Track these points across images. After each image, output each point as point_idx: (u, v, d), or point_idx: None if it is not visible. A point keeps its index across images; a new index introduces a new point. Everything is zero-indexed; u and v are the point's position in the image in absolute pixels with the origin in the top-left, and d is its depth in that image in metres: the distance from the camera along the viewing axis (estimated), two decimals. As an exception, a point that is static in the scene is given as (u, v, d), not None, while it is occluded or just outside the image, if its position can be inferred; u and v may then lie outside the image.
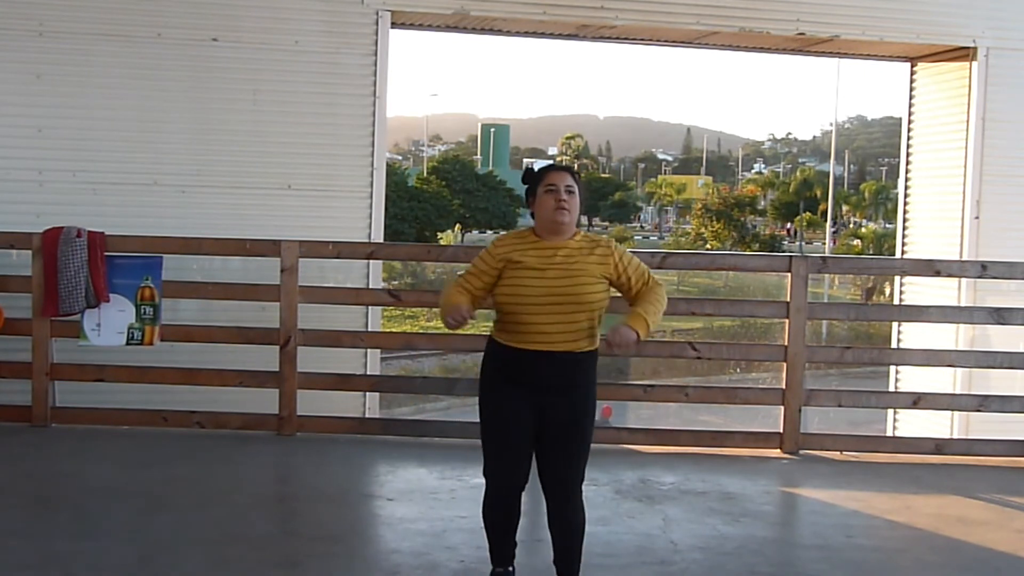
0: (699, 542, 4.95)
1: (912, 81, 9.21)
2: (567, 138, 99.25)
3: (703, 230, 55.73)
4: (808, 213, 62.32)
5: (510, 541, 4.07)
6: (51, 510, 5.12)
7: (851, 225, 66.41)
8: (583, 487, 4.02)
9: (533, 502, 5.42)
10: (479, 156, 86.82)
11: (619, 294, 4.02)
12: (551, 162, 4.38)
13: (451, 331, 3.98)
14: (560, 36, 8.98)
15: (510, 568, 4.11)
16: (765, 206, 68.71)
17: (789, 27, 8.34)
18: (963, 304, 8.25)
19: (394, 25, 8.01)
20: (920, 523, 5.41)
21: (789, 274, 6.79)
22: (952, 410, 8.14)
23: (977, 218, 8.49)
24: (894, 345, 9.28)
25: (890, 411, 9.07)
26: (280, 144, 7.75)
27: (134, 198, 7.57)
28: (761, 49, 9.41)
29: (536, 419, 3.88)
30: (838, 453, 6.86)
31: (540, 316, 3.81)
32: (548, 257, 3.85)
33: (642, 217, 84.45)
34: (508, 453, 3.90)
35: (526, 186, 4.05)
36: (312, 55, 7.77)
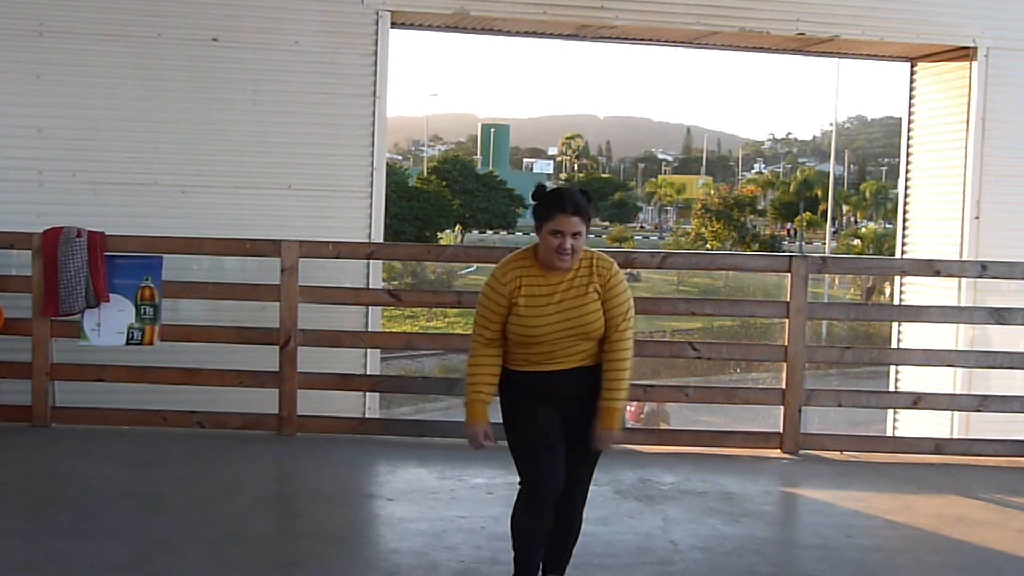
0: (699, 542, 4.95)
1: (912, 81, 9.21)
2: (567, 138, 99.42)
3: (703, 230, 55.68)
4: (808, 213, 62.30)
5: (539, 554, 3.94)
6: (51, 510, 5.12)
7: (851, 225, 66.40)
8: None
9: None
10: (479, 156, 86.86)
11: None
12: (563, 188, 4.19)
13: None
14: (560, 36, 8.99)
15: None
16: (765, 206, 68.67)
17: (789, 27, 8.34)
18: (963, 304, 8.25)
19: (394, 25, 8.01)
20: (920, 523, 5.41)
21: (789, 274, 6.79)
22: (952, 410, 8.14)
23: (977, 218, 8.49)
24: (894, 345, 9.28)
25: (890, 411, 9.07)
26: (280, 144, 7.76)
27: (134, 198, 7.57)
28: (761, 49, 9.41)
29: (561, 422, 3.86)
30: (838, 453, 6.86)
31: (547, 347, 3.80)
32: (552, 292, 3.79)
33: (642, 217, 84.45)
34: (549, 453, 3.82)
35: (535, 203, 3.91)
36: (312, 55, 7.77)
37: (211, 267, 7.64)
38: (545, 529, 3.87)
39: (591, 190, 5.30)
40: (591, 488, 4.04)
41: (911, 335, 8.85)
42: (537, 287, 3.80)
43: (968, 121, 8.52)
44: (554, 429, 3.83)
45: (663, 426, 24.91)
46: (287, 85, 7.76)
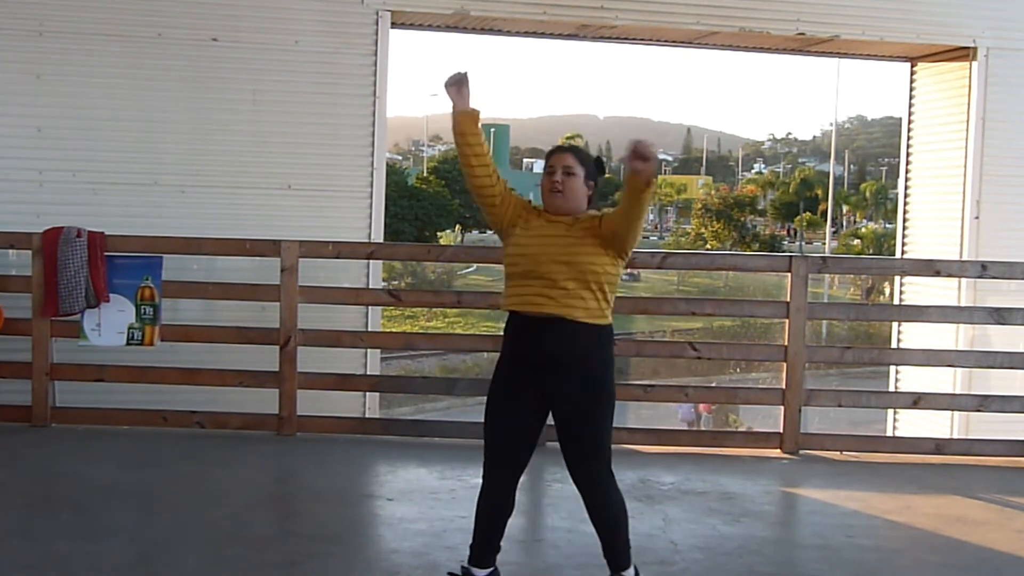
0: (699, 542, 4.95)
1: (912, 81, 9.21)
2: (567, 138, 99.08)
3: (703, 230, 55.71)
4: (808, 213, 62.31)
5: (490, 541, 3.96)
6: (51, 510, 5.12)
7: (851, 225, 66.39)
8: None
9: (532, 502, 5.42)
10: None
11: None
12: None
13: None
14: (560, 36, 8.98)
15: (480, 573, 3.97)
16: (765, 206, 68.66)
17: (789, 27, 8.34)
18: (963, 304, 8.25)
19: (394, 25, 8.01)
20: (920, 523, 5.41)
21: (789, 274, 6.80)
22: (952, 410, 8.15)
23: (977, 218, 8.49)
24: (894, 345, 9.28)
25: (890, 411, 9.07)
26: (280, 144, 7.76)
27: (134, 198, 7.57)
28: (761, 49, 9.41)
29: (544, 404, 3.84)
30: (838, 453, 6.86)
31: (532, 268, 3.79)
32: (548, 226, 3.86)
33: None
34: (498, 445, 3.88)
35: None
36: (312, 55, 7.77)
37: (211, 267, 7.65)
38: (497, 518, 3.93)
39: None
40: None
41: (911, 335, 8.85)
42: (537, 222, 3.90)
43: (968, 121, 8.52)
44: (518, 420, 3.84)
45: (731, 418, 24.91)
46: (287, 85, 7.76)
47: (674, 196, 76.79)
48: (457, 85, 3.95)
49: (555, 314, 3.76)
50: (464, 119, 3.96)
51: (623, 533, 3.96)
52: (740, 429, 16.33)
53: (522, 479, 3.99)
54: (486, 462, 3.94)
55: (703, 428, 23.06)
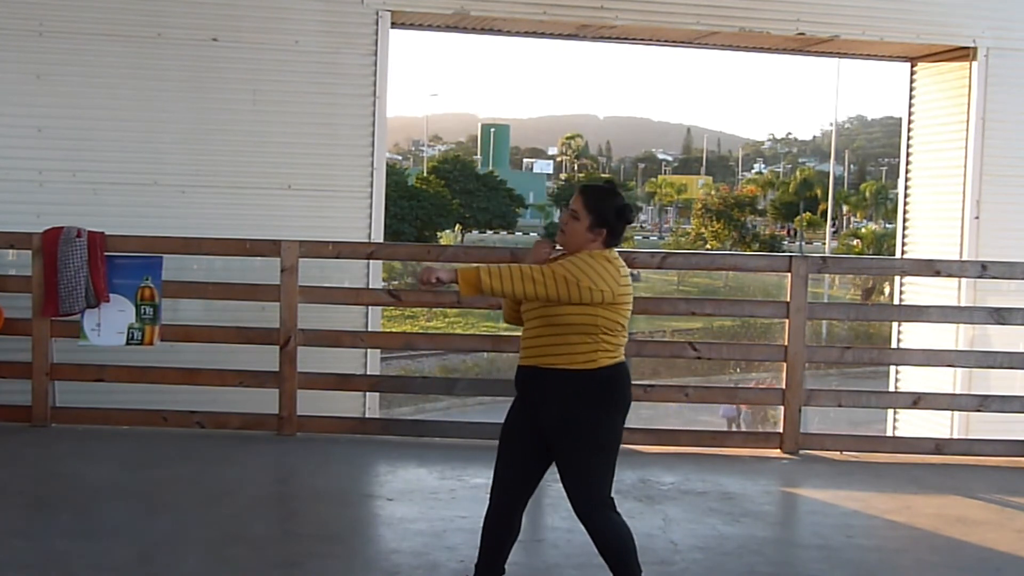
0: (699, 542, 4.95)
1: (912, 81, 9.21)
2: (567, 138, 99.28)
3: (703, 230, 55.70)
4: (808, 213, 62.27)
5: (496, 559, 4.01)
6: (51, 510, 5.12)
7: (851, 225, 66.37)
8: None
9: (532, 502, 5.41)
10: (479, 156, 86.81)
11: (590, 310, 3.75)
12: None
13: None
14: (560, 36, 8.99)
15: None
16: (765, 206, 68.63)
17: (789, 27, 8.34)
18: (963, 304, 8.25)
19: (394, 25, 8.01)
20: (920, 523, 5.41)
21: (789, 274, 6.80)
22: (952, 410, 8.15)
23: (977, 218, 8.49)
24: (894, 345, 9.28)
25: (890, 411, 9.07)
26: (280, 144, 7.76)
27: (134, 198, 7.57)
28: (761, 49, 9.42)
29: (542, 442, 3.88)
30: (838, 453, 6.86)
31: (526, 326, 3.91)
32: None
33: (642, 217, 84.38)
34: (500, 469, 3.97)
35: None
36: (312, 55, 7.77)
37: (211, 267, 7.65)
38: (502, 538, 3.98)
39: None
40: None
41: (911, 335, 8.85)
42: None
43: (968, 121, 8.52)
44: (517, 448, 3.92)
45: (770, 414, 24.76)
46: (287, 85, 7.76)
47: (674, 196, 76.80)
48: (431, 282, 3.78)
49: (528, 364, 3.87)
50: (467, 289, 3.74)
51: (617, 563, 3.95)
52: (776, 429, 16.31)
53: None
54: (492, 483, 4.01)
55: (743, 424, 22.99)
